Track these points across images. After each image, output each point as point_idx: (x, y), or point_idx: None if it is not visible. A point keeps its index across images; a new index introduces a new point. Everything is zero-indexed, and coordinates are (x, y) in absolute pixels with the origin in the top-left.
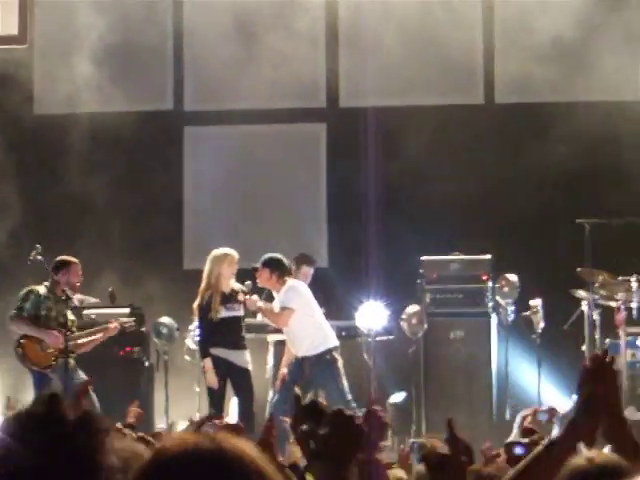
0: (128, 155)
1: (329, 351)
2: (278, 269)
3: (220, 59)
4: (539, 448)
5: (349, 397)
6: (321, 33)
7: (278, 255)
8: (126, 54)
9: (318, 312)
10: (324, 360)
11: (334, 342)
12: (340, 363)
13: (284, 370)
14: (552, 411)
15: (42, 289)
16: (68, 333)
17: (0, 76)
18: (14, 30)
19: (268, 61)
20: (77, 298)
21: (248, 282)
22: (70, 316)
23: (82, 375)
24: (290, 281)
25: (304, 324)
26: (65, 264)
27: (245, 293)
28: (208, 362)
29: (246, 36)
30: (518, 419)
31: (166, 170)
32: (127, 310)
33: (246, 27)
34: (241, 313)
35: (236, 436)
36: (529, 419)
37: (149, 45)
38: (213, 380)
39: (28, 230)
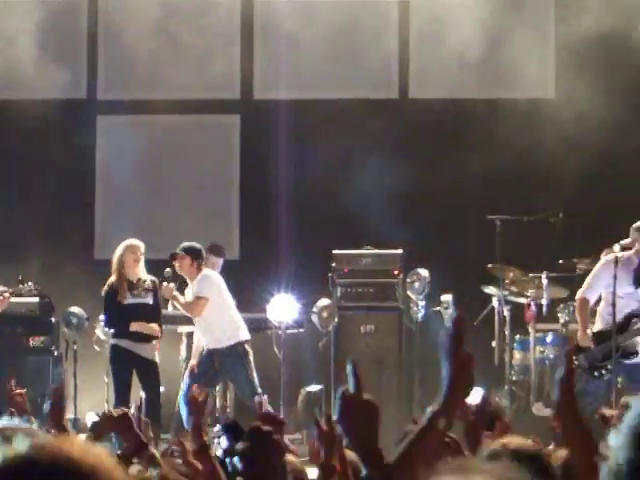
0: (41, 143)
1: (241, 343)
2: (199, 257)
3: (136, 49)
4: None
5: (259, 390)
6: (236, 25)
7: (197, 244)
8: (42, 41)
9: (231, 303)
10: (235, 352)
11: (246, 335)
12: (251, 356)
13: (193, 362)
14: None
15: None
16: None
17: None
18: None
19: (183, 52)
20: None
21: (168, 269)
22: None
23: None
24: (205, 270)
25: (216, 315)
26: None
27: (159, 282)
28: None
29: (163, 27)
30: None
31: (79, 159)
32: (36, 299)
33: (163, 18)
34: (148, 301)
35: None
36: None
37: (65, 32)
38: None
39: None
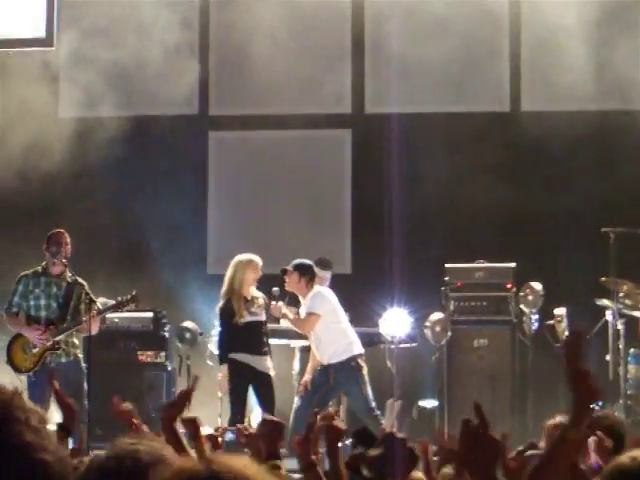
0: (153, 160)
1: (354, 358)
2: (308, 274)
3: (246, 63)
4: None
5: (373, 404)
6: (347, 39)
7: (308, 261)
8: (151, 57)
9: (344, 319)
10: (349, 367)
11: (359, 349)
12: (365, 370)
13: (307, 377)
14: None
15: (35, 270)
16: (52, 326)
17: (26, 77)
18: (42, 32)
19: (294, 66)
20: (101, 301)
21: (276, 288)
22: (74, 298)
23: (82, 368)
24: (317, 287)
25: (329, 330)
26: (48, 237)
27: (267, 299)
28: (224, 368)
29: (272, 39)
30: (548, 426)
31: (191, 175)
32: (150, 314)
33: (274, 32)
34: (263, 318)
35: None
36: (552, 429)
37: (169, 46)
38: (225, 387)
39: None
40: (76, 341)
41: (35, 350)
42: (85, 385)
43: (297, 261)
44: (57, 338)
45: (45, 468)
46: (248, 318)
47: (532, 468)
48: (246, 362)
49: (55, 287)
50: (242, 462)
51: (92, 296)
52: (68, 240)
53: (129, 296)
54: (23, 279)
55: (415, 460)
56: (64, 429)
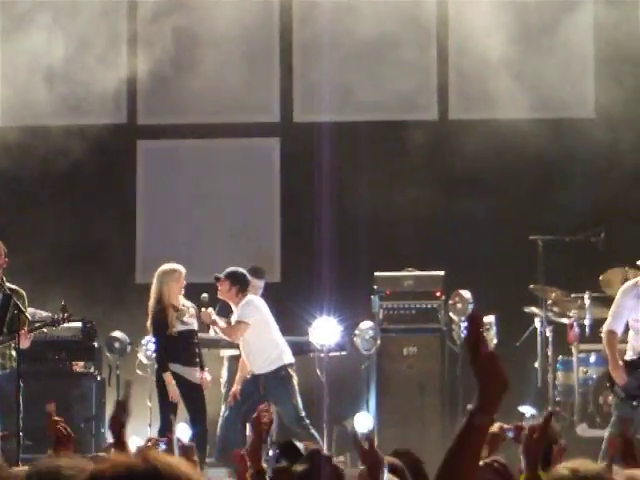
0: (81, 169)
1: (284, 367)
2: (239, 282)
3: (174, 71)
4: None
5: (303, 414)
6: (275, 47)
7: (241, 270)
8: (81, 67)
9: (274, 328)
10: (279, 376)
11: (289, 359)
12: (295, 380)
13: (236, 387)
14: (518, 428)
15: None
16: None
17: None
18: None
19: (222, 75)
20: (29, 312)
21: (205, 295)
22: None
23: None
24: (249, 296)
25: (260, 340)
26: None
27: (198, 308)
28: (169, 376)
29: (198, 48)
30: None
31: (119, 184)
32: (79, 324)
33: (199, 39)
34: (195, 327)
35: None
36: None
37: (104, 56)
38: (176, 393)
39: None
40: (14, 353)
41: None
42: (20, 399)
43: (230, 269)
44: None
45: None
46: (180, 327)
47: (442, 461)
48: (179, 373)
49: None
50: (176, 459)
51: (24, 309)
52: (2, 252)
53: (64, 314)
54: None
55: (340, 478)
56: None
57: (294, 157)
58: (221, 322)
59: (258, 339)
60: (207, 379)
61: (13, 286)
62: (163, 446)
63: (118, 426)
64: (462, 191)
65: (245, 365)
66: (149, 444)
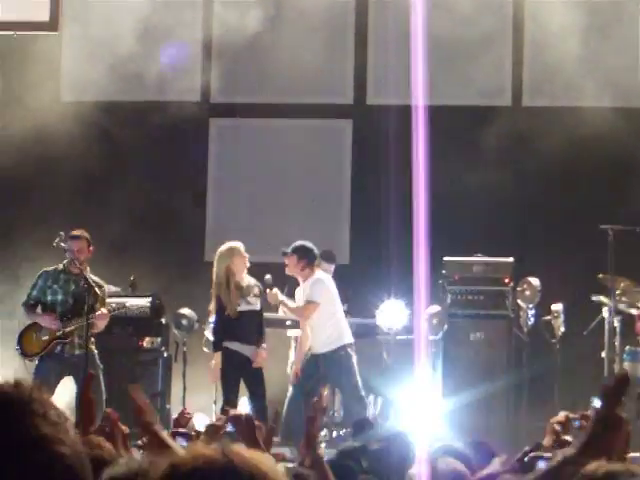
0: (154, 145)
1: (344, 347)
2: (306, 257)
3: (250, 51)
4: (553, 464)
5: (362, 393)
6: (350, 29)
7: (309, 243)
8: (155, 44)
9: (340, 309)
10: (338, 356)
11: (349, 338)
12: (354, 359)
13: (297, 366)
14: (585, 417)
15: (56, 267)
16: (65, 319)
17: (29, 62)
18: (45, 16)
19: (296, 56)
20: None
21: (268, 276)
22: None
23: (97, 361)
24: (318, 273)
25: (323, 319)
26: (70, 237)
27: (262, 288)
28: (218, 356)
29: (277, 29)
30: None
31: (191, 161)
32: (148, 300)
33: (279, 20)
34: (258, 307)
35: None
36: (557, 426)
37: (179, 36)
38: (215, 375)
39: (56, 216)
40: (91, 337)
41: (44, 337)
42: (101, 380)
43: (297, 243)
44: (67, 329)
45: (62, 460)
46: (244, 307)
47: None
48: (239, 351)
49: (73, 285)
50: (258, 456)
51: (104, 297)
52: (84, 245)
53: (140, 306)
54: (44, 274)
55: (414, 456)
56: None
57: (366, 139)
58: (290, 302)
59: (321, 319)
60: (262, 354)
61: (95, 277)
62: (230, 427)
63: (146, 425)
64: (533, 178)
65: (304, 344)
66: (218, 423)
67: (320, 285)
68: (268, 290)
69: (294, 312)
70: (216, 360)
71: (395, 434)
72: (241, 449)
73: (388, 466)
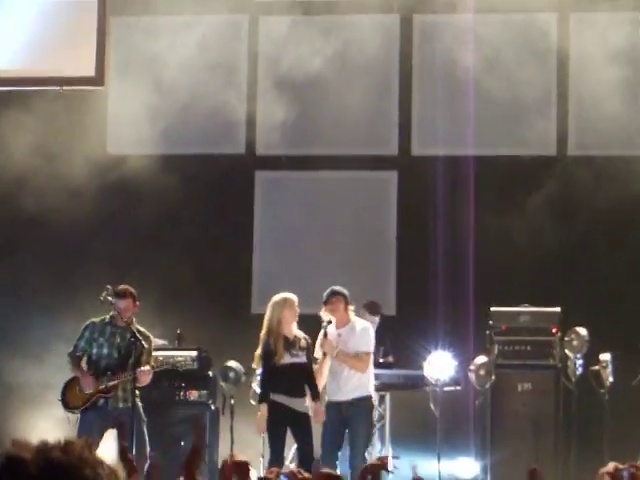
0: (199, 199)
1: (370, 397)
2: (348, 301)
3: (291, 105)
4: None
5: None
6: (395, 79)
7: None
8: (200, 98)
9: None
10: (368, 404)
11: (373, 389)
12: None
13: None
14: (635, 467)
15: (103, 319)
16: (109, 373)
17: (75, 116)
18: (90, 71)
19: (340, 107)
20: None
21: (325, 322)
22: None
23: (141, 414)
24: (365, 322)
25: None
26: (116, 295)
27: (309, 340)
28: (264, 408)
29: (318, 81)
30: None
31: (237, 214)
32: (194, 353)
33: (318, 72)
34: (304, 360)
35: None
36: (606, 477)
37: (217, 93)
38: (262, 427)
39: (103, 269)
40: (135, 390)
41: (88, 391)
42: (145, 432)
43: (338, 288)
44: (111, 384)
45: None
46: (287, 360)
47: None
48: (285, 403)
49: (119, 338)
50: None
51: (150, 349)
52: (130, 303)
53: (188, 359)
54: (90, 326)
55: None
56: None
57: (411, 190)
58: (348, 352)
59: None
60: (321, 410)
61: (141, 328)
62: (283, 479)
63: (192, 468)
64: (580, 227)
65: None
66: (270, 476)
67: (372, 335)
68: (324, 338)
69: (356, 364)
70: (262, 412)
71: None
72: None
73: None
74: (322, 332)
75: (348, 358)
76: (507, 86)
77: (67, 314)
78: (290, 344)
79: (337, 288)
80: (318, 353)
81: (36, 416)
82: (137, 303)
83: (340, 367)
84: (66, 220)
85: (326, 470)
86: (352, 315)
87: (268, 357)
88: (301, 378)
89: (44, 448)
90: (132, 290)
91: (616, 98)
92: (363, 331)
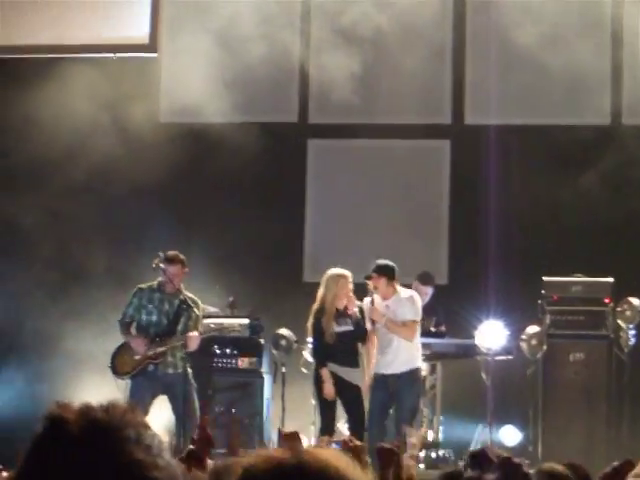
0: (251, 167)
1: (419, 369)
2: (393, 275)
3: (345, 73)
4: None
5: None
6: (448, 47)
7: (386, 260)
8: (252, 66)
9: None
10: (412, 377)
11: (421, 361)
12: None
13: (368, 379)
14: None
15: (151, 285)
16: (158, 339)
17: (128, 84)
18: (145, 38)
19: (393, 75)
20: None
21: (373, 294)
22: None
23: (191, 380)
24: (411, 291)
25: (417, 337)
26: (166, 260)
27: (362, 308)
28: (325, 372)
29: (371, 49)
30: None
31: (289, 182)
32: (246, 320)
33: (371, 40)
34: (351, 328)
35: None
36: None
37: (276, 57)
38: (331, 391)
39: (153, 238)
40: (184, 356)
41: (137, 357)
42: (196, 399)
43: (382, 263)
44: (159, 350)
45: None
46: (336, 329)
47: None
48: (334, 372)
49: (167, 304)
50: (331, 453)
51: (199, 315)
52: (179, 269)
53: (234, 324)
54: (138, 292)
55: None
56: (194, 456)
57: (464, 159)
58: (396, 320)
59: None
60: (368, 382)
61: (190, 295)
62: (335, 446)
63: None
64: (633, 195)
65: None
66: (322, 444)
67: (419, 304)
68: (372, 306)
69: (402, 332)
70: (324, 375)
71: (510, 464)
72: (314, 449)
73: None
74: (369, 300)
75: (396, 326)
76: (561, 57)
77: (124, 284)
78: (340, 314)
79: (380, 263)
80: (368, 324)
81: (99, 384)
82: (186, 269)
83: (388, 339)
84: (118, 188)
85: (385, 444)
86: (398, 287)
87: (318, 333)
88: (351, 347)
89: (86, 409)
90: (181, 256)
91: None
92: (409, 300)
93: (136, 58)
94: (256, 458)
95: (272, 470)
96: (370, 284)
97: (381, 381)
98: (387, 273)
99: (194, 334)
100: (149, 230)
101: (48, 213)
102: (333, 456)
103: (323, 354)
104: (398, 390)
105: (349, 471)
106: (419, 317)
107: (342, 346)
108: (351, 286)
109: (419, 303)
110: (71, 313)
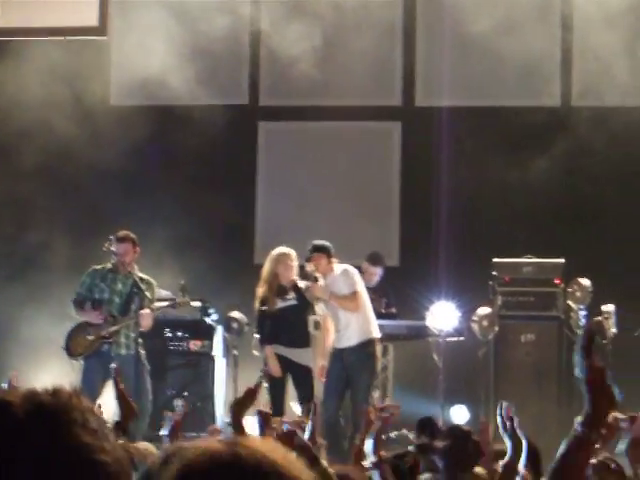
0: (202, 148)
1: (372, 341)
2: (330, 253)
3: (295, 55)
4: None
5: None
6: (399, 28)
7: (322, 241)
8: (202, 47)
9: (368, 300)
10: (365, 350)
11: (377, 332)
12: (379, 359)
13: (323, 362)
14: (633, 419)
15: (104, 266)
16: (110, 318)
17: (78, 67)
18: (94, 21)
19: (343, 56)
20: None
21: (310, 269)
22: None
23: (144, 361)
24: (346, 265)
25: (366, 308)
26: (116, 239)
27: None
28: (269, 349)
29: (322, 31)
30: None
31: (240, 164)
32: (198, 303)
33: (322, 22)
34: (295, 302)
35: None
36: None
37: (225, 39)
38: (276, 367)
39: (104, 218)
40: (138, 337)
41: (90, 337)
42: (148, 380)
43: (317, 243)
44: (113, 329)
45: (103, 468)
46: (280, 304)
47: (549, 470)
48: (283, 354)
49: (120, 284)
50: (270, 445)
51: (152, 297)
52: (129, 248)
53: (186, 299)
54: (92, 273)
55: (480, 454)
56: (120, 427)
57: (414, 141)
58: (340, 294)
59: (365, 308)
60: (323, 366)
61: (144, 275)
62: (286, 427)
63: (241, 410)
64: (583, 177)
65: (326, 338)
66: (274, 425)
67: (356, 276)
68: (313, 283)
69: (345, 304)
70: (268, 352)
71: (459, 431)
72: (253, 440)
73: (453, 464)
74: (312, 279)
75: (339, 299)
76: (512, 40)
77: (82, 268)
78: (283, 290)
79: (317, 243)
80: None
81: (57, 368)
82: (137, 249)
83: (338, 316)
84: (74, 171)
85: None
86: (335, 265)
87: (263, 309)
88: (298, 324)
89: (32, 394)
90: (132, 235)
91: (620, 49)
92: (342, 274)
93: (89, 39)
94: (193, 451)
95: (207, 463)
96: (310, 266)
97: (337, 355)
98: (325, 251)
99: (146, 311)
100: (106, 212)
101: (3, 195)
102: (271, 448)
103: (265, 334)
104: (352, 365)
105: (285, 464)
106: (358, 287)
107: (287, 325)
108: (295, 264)
109: (354, 275)
110: (28, 298)
